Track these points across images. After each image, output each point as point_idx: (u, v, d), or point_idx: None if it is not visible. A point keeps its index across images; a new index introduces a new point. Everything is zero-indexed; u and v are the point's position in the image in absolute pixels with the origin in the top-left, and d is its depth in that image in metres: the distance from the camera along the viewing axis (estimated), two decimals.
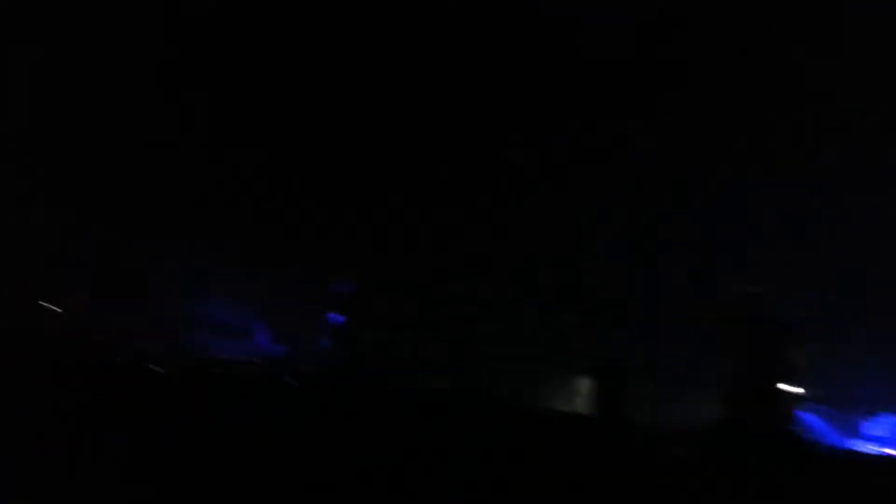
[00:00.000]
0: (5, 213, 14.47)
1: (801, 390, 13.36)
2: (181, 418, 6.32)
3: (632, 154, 13.82)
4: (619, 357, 13.55)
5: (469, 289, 15.81)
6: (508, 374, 14.44)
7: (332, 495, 5.17)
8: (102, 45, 14.92)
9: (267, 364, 15.11)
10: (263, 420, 6.53)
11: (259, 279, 20.83)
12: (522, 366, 14.96)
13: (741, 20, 12.38)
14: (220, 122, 16.40)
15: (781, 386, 13.45)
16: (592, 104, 13.75)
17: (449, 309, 16.31)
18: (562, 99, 14.08)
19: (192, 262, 20.96)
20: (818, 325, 12.51)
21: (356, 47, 15.57)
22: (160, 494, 5.05)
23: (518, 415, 9.19)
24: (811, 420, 13.79)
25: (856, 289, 13.23)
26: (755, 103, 12.84)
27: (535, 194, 15.23)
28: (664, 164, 13.62)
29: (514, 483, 5.80)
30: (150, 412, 6.44)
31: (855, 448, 12.64)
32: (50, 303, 16.51)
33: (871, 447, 12.92)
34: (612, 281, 14.39)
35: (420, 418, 7.48)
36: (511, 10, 13.71)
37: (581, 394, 13.83)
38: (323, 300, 21.75)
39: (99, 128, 15.53)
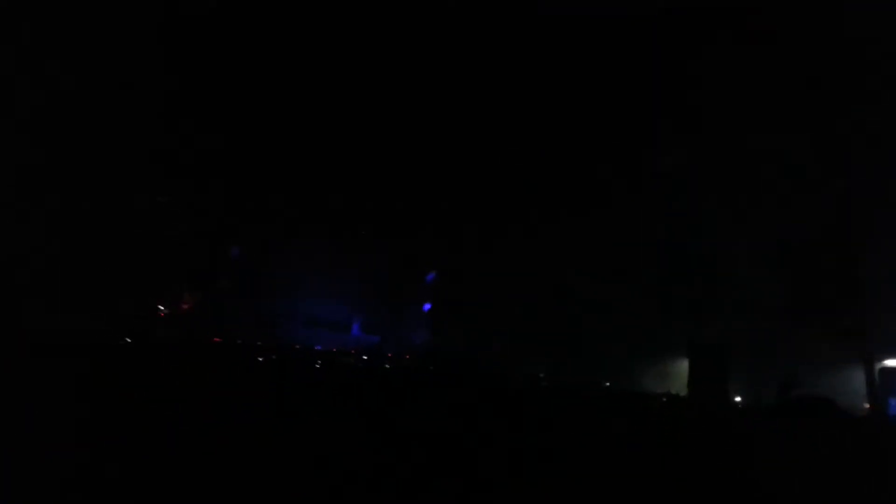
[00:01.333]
0: (116, 221, 15.33)
1: None
2: (293, 405, 6.70)
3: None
4: (719, 338, 13.39)
5: (563, 277, 15.87)
6: (605, 358, 14.46)
7: (422, 473, 5.39)
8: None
9: (363, 353, 15.67)
10: (361, 404, 6.86)
11: (354, 276, 21.59)
12: (620, 350, 15.01)
13: None
14: (315, 127, 17.04)
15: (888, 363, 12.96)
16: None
17: (545, 296, 16.41)
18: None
19: (294, 262, 21.97)
20: None
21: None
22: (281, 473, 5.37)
23: (611, 398, 9.28)
24: None
25: None
26: None
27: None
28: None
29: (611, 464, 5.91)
30: (260, 401, 6.82)
31: None
32: (162, 305, 17.60)
33: None
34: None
35: (510, 403, 7.68)
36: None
37: (681, 375, 13.73)
38: (413, 293, 22.36)
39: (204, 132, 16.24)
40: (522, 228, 16.58)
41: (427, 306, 20.90)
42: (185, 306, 17.87)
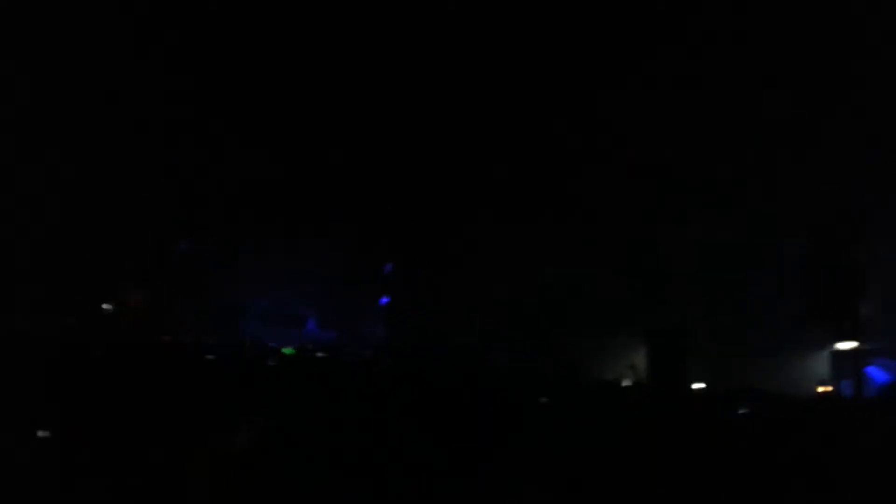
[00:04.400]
0: (58, 216, 14.77)
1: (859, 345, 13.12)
2: (241, 406, 6.43)
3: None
4: (676, 324, 13.41)
5: (524, 268, 15.75)
6: (568, 348, 14.43)
7: (382, 471, 5.19)
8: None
9: (319, 349, 15.32)
10: (318, 400, 6.59)
11: (309, 270, 21.17)
12: (583, 340, 15.02)
13: None
14: (264, 119, 16.59)
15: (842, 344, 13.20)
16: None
17: (498, 287, 16.29)
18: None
19: (245, 256, 21.43)
20: None
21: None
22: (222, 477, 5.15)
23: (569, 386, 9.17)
24: (874, 372, 13.53)
25: None
26: None
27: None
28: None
29: (572, 455, 5.77)
30: (211, 401, 6.54)
31: None
32: (108, 303, 16.96)
33: None
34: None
35: (472, 397, 7.49)
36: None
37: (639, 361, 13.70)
38: (370, 286, 22.02)
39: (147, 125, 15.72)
40: (483, 218, 16.38)
41: (385, 300, 20.58)
42: (132, 304, 17.24)
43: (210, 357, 9.86)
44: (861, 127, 11.94)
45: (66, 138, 14.85)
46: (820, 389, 13.18)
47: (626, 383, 11.64)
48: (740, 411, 7.82)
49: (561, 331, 15.29)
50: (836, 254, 11.05)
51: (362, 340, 20.83)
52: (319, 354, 13.09)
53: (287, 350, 13.82)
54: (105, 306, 16.98)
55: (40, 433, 4.97)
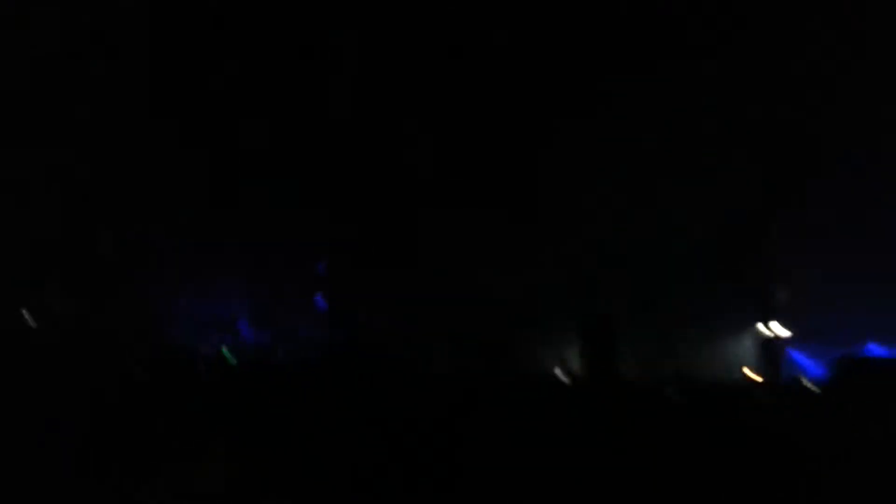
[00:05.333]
0: None
1: (787, 331, 13.59)
2: (169, 416, 6.23)
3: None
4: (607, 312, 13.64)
5: (461, 263, 15.73)
6: (507, 343, 14.54)
7: (331, 482, 5.12)
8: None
9: (252, 354, 15.01)
10: (252, 409, 6.44)
11: (240, 270, 20.65)
12: (521, 334, 15.19)
13: None
14: (186, 114, 16.08)
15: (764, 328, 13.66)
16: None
17: (430, 282, 16.25)
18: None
19: (171, 256, 20.70)
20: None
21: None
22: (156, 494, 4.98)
23: (512, 383, 9.23)
24: (799, 357, 14.03)
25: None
26: None
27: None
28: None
29: (511, 450, 5.80)
30: (139, 414, 6.32)
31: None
32: (28, 312, 16.17)
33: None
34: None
35: (405, 395, 7.47)
36: None
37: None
38: (304, 285, 21.63)
39: (72, 120, 15.04)
40: (417, 210, 16.26)
41: (319, 297, 20.27)
42: (56, 311, 16.47)
43: (138, 366, 9.53)
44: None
45: None
46: (747, 372, 13.65)
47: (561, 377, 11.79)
48: (673, 398, 8.00)
49: (496, 325, 15.38)
50: (748, 240, 11.48)
51: (297, 340, 20.49)
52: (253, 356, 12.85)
53: (225, 353, 13.50)
54: (25, 315, 16.20)
55: None
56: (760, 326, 13.62)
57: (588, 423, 6.76)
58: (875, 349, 13.35)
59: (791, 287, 13.70)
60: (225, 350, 14.11)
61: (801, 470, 5.21)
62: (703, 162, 13.25)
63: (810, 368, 13.49)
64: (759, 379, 12.99)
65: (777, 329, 13.14)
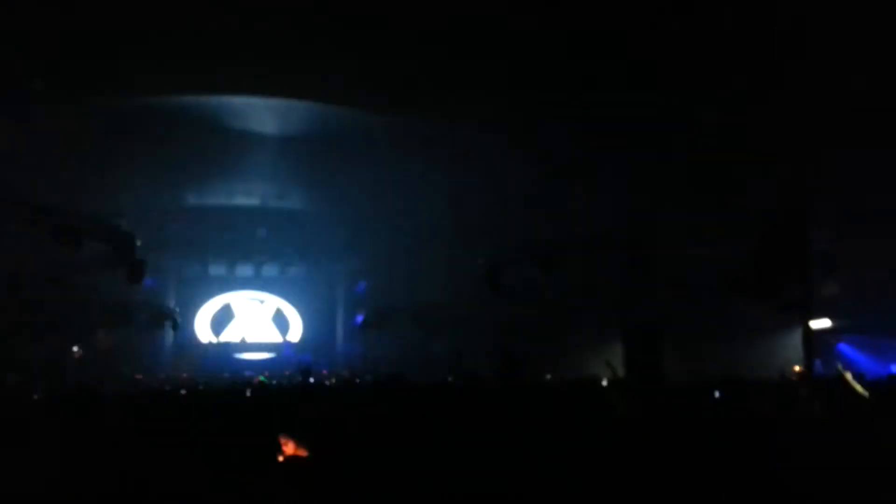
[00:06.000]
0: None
1: (826, 323, 13.24)
2: (225, 435, 6.34)
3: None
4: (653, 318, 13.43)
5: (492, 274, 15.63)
6: (544, 350, 14.46)
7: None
8: None
9: (296, 374, 15.16)
10: (295, 426, 6.50)
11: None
12: (558, 340, 15.13)
13: None
14: None
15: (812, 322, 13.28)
16: None
17: (478, 295, 16.14)
18: None
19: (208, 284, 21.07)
20: None
21: None
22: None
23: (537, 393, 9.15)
24: (848, 351, 13.67)
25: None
26: None
27: None
28: None
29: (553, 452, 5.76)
30: (200, 432, 6.45)
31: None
32: (76, 345, 16.59)
33: None
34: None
35: (457, 408, 7.46)
36: None
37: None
38: (344, 305, 21.82)
39: None
40: (447, 228, 16.19)
41: (360, 318, 20.43)
42: (103, 346, 16.90)
43: (183, 392, 9.71)
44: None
45: None
46: (796, 369, 13.30)
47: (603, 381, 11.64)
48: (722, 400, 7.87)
49: (536, 335, 15.29)
50: (787, 235, 11.22)
51: (338, 361, 20.64)
52: (298, 378, 12.94)
53: (262, 378, 13.67)
54: (75, 350, 16.64)
55: None
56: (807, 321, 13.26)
57: (634, 425, 6.69)
58: None
59: (839, 277, 13.29)
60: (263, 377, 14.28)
61: (814, 469, 5.08)
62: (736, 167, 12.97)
63: (863, 363, 13.08)
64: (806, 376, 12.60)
65: (818, 322, 12.75)
